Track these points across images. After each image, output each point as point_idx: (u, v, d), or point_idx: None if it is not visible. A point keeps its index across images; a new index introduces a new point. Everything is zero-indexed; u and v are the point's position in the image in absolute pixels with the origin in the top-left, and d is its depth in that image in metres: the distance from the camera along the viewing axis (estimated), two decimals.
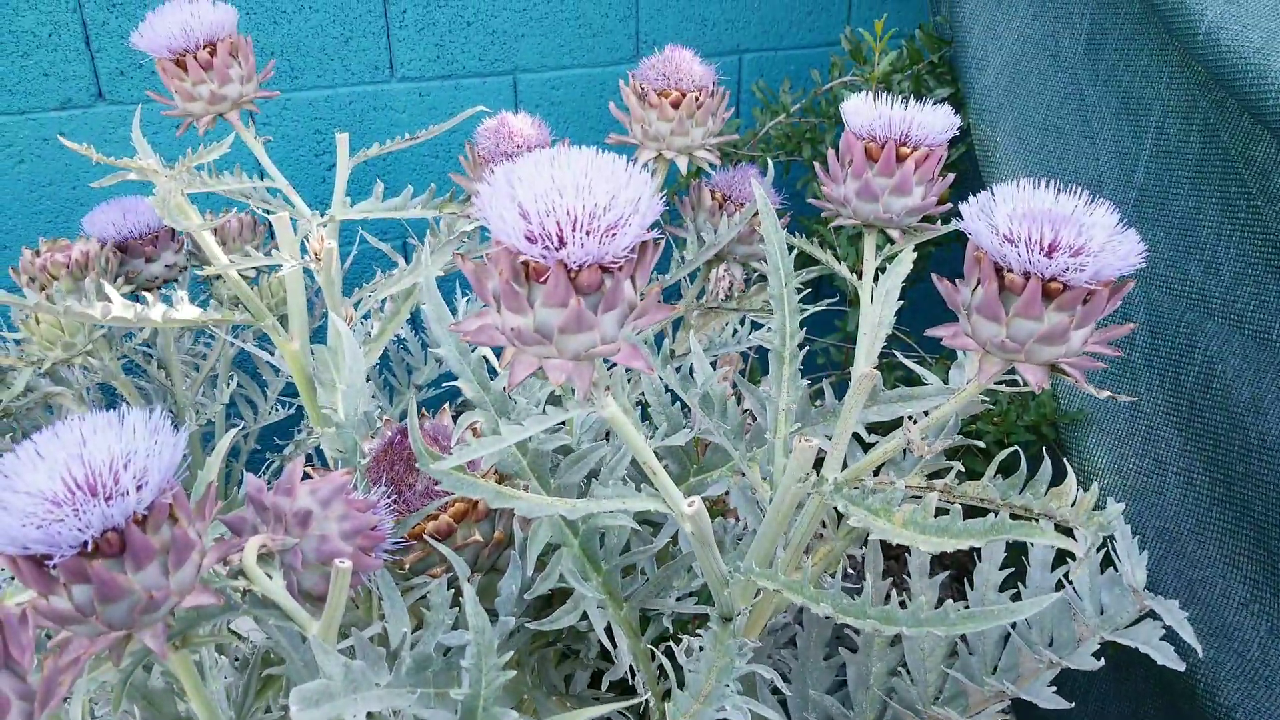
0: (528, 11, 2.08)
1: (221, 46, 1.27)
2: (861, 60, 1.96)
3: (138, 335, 1.64)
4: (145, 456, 0.66)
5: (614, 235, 0.66)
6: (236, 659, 1.06)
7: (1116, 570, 1.05)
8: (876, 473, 0.93)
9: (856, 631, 1.19)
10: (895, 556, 1.44)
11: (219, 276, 1.54)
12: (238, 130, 1.33)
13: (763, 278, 1.54)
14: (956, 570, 1.37)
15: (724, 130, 1.45)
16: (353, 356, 1.08)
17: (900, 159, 1.01)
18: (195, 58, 1.26)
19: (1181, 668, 0.98)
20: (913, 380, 1.07)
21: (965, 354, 1.12)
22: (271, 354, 1.63)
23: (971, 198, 0.77)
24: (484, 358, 0.97)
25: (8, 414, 1.53)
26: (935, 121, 1.00)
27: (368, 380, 1.17)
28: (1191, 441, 1.42)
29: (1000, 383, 0.87)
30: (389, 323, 1.39)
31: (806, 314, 1.04)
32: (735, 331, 1.48)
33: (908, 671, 1.14)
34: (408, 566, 1.04)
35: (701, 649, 0.92)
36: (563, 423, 0.83)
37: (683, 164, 1.42)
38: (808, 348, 1.08)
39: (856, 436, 1.07)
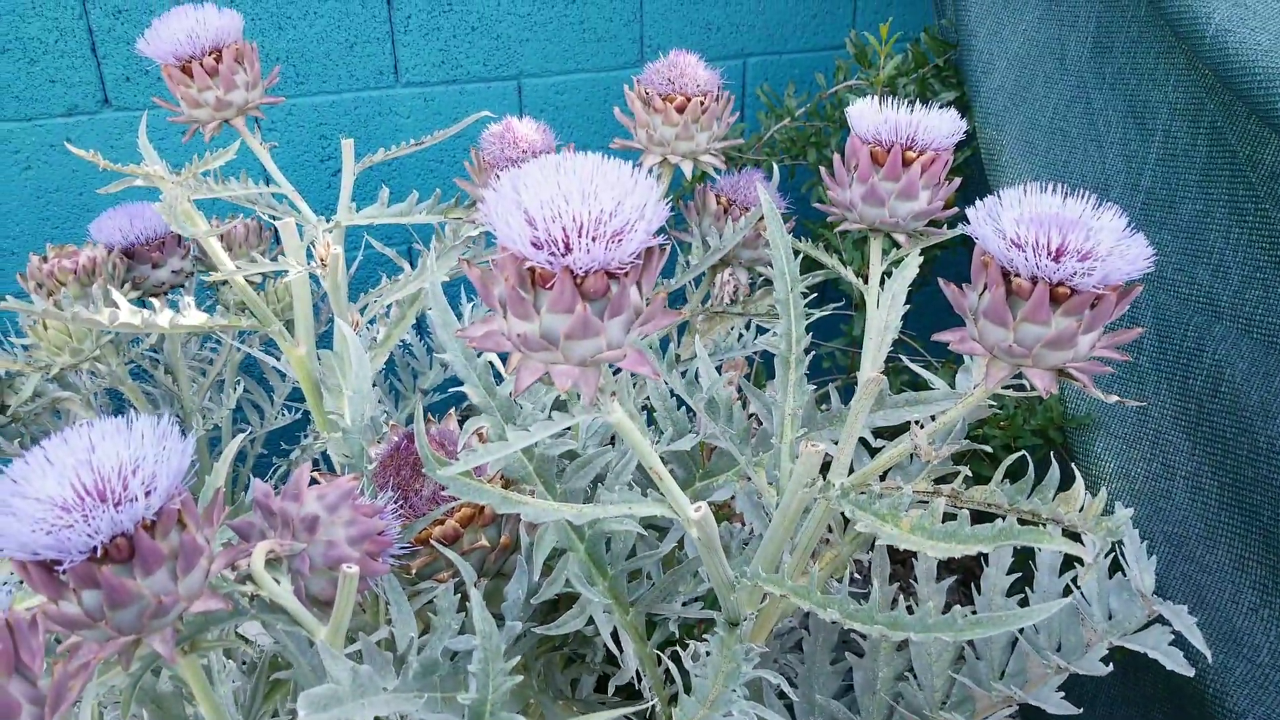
0: (532, 17, 2.08)
1: (227, 53, 1.28)
2: (866, 64, 1.96)
3: (145, 341, 1.64)
4: (153, 462, 0.66)
5: (620, 241, 0.66)
6: (244, 663, 1.06)
7: (1125, 575, 1.05)
8: (883, 478, 0.92)
9: (863, 637, 1.19)
10: (901, 561, 1.44)
11: (225, 282, 1.55)
12: (243, 136, 1.34)
13: (768, 282, 1.54)
14: (963, 575, 1.37)
15: (729, 135, 1.45)
16: (359, 361, 1.08)
17: (906, 163, 1.01)
18: (201, 64, 1.27)
19: (1191, 673, 0.98)
20: (919, 385, 1.07)
21: (972, 359, 1.12)
22: (278, 359, 1.63)
23: (978, 202, 0.77)
24: (490, 363, 0.97)
25: (15, 419, 1.53)
26: (941, 125, 1.00)
27: (373, 385, 1.17)
28: (1200, 446, 1.41)
29: (1007, 387, 0.87)
30: (395, 328, 1.39)
31: (812, 318, 1.04)
32: (740, 336, 1.48)
33: (914, 677, 1.14)
34: (414, 571, 1.04)
35: (708, 654, 0.92)
36: (568, 428, 0.83)
37: (687, 168, 1.42)
38: (813, 352, 1.07)
39: (863, 441, 1.07)
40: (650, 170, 1.40)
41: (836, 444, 0.93)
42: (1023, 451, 1.03)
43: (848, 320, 2.10)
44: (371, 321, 1.46)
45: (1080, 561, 0.84)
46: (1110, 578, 1.06)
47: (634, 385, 1.27)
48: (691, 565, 1.04)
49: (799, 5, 2.31)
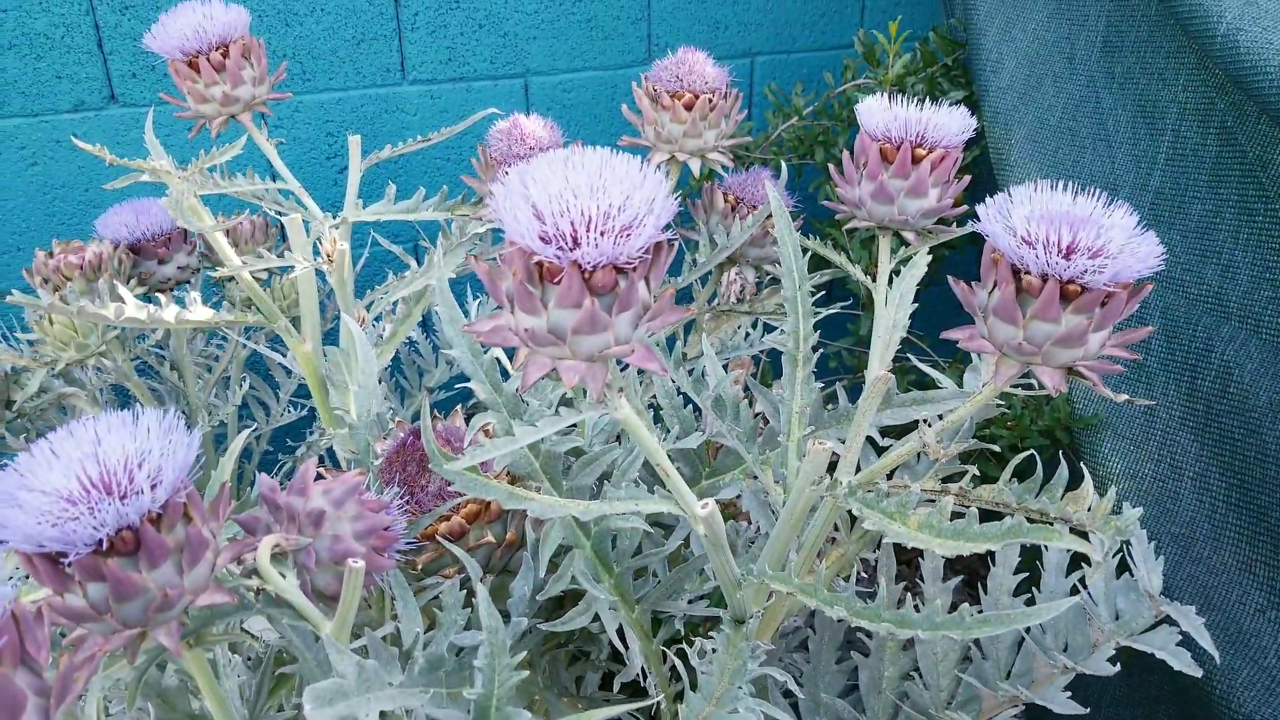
0: (539, 14, 2.08)
1: (234, 48, 1.28)
2: (875, 63, 1.95)
3: (150, 336, 1.64)
4: (159, 456, 0.66)
5: (628, 236, 0.66)
6: (250, 657, 1.06)
7: (1132, 576, 1.05)
8: (890, 476, 0.92)
9: (868, 635, 1.19)
10: (907, 561, 1.43)
11: (232, 278, 1.55)
12: (250, 132, 1.34)
13: (775, 280, 1.53)
14: (969, 575, 1.36)
15: (736, 133, 1.45)
16: (365, 358, 1.08)
17: (916, 160, 1.00)
18: (208, 59, 1.27)
19: (1198, 674, 0.98)
20: (927, 384, 1.06)
21: (980, 357, 1.12)
22: (284, 355, 1.63)
23: (989, 199, 0.77)
24: (496, 359, 0.97)
25: (22, 414, 1.53)
26: (951, 123, 1.00)
27: (380, 382, 1.17)
28: (1208, 446, 1.40)
29: (1014, 386, 0.86)
30: (401, 324, 1.39)
31: (820, 317, 1.04)
32: (747, 334, 1.47)
33: (920, 676, 1.14)
34: (420, 567, 1.04)
35: (714, 651, 0.91)
36: (575, 424, 0.82)
37: (695, 166, 1.42)
38: (821, 351, 1.07)
39: (870, 440, 1.07)
40: (658, 167, 1.39)
41: (844, 442, 0.92)
42: (1031, 450, 1.02)
43: (855, 319, 2.09)
44: (378, 318, 1.46)
45: (1087, 561, 0.84)
46: (1117, 578, 1.06)
47: (640, 383, 1.27)
48: (697, 563, 1.04)
49: (807, 4, 2.31)
